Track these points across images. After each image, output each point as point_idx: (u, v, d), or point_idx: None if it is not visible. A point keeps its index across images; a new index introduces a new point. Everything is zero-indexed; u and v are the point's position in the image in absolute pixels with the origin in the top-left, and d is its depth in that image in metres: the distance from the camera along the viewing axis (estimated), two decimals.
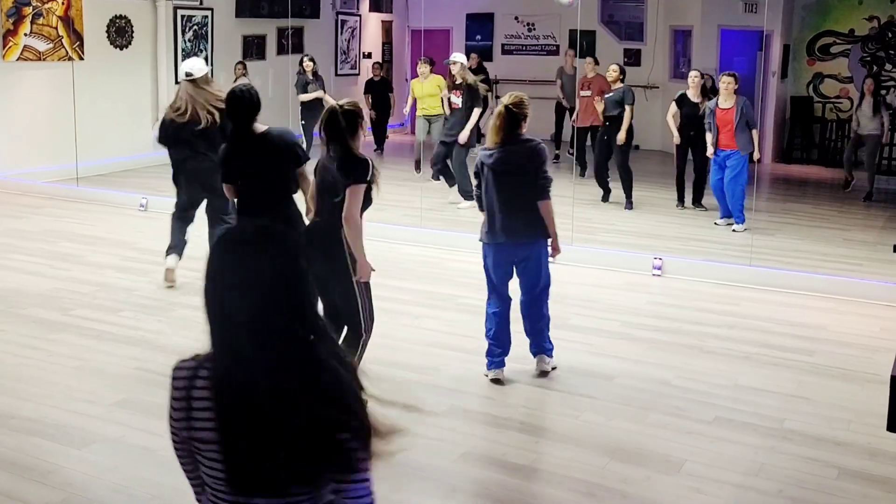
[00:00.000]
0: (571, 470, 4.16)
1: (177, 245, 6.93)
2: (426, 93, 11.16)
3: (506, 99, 5.06)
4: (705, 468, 4.20)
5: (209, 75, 6.83)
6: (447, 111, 10.55)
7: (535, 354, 5.35)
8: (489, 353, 5.24)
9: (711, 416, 4.79)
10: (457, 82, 10.33)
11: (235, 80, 12.83)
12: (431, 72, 11.25)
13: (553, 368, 5.34)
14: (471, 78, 10.37)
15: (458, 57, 10.54)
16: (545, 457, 4.31)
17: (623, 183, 10.46)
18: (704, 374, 5.39)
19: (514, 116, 5.01)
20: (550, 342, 5.36)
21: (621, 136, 10.33)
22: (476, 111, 10.11)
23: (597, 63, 11.96)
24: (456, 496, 3.92)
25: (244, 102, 5.10)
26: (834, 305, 6.88)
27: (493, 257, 5.15)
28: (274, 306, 1.74)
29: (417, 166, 11.49)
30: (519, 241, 5.09)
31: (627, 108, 10.33)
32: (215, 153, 5.57)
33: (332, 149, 4.52)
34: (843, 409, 4.93)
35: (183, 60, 13.09)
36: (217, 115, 6.42)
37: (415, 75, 11.85)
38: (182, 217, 6.99)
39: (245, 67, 13.20)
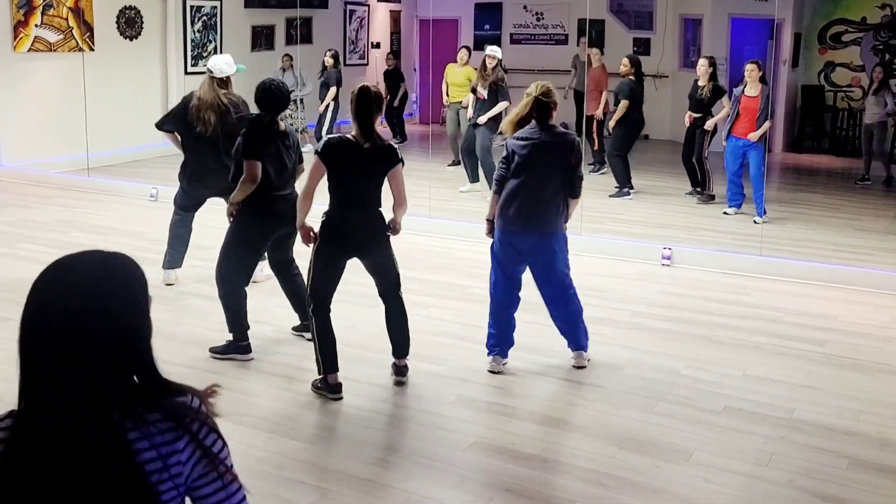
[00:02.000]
0: (580, 459, 4.17)
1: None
2: (457, 81, 11.23)
3: (534, 90, 5.02)
4: (715, 458, 4.20)
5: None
6: (471, 101, 10.58)
7: (572, 350, 5.34)
8: (488, 340, 5.26)
9: (721, 405, 4.78)
10: (486, 74, 10.36)
11: (283, 72, 13.00)
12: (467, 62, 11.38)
13: (588, 360, 5.34)
14: (501, 74, 10.39)
15: (497, 52, 10.53)
16: (554, 446, 4.31)
17: (612, 170, 10.52)
18: (714, 364, 5.39)
19: (544, 106, 5.00)
20: (585, 336, 5.34)
21: (611, 124, 10.44)
22: (503, 103, 10.18)
23: (602, 54, 11.90)
24: (465, 485, 3.93)
25: (280, 95, 5.27)
26: (845, 295, 6.85)
27: (505, 245, 5.13)
28: (93, 340, 1.52)
29: (457, 161, 11.57)
30: (534, 232, 5.05)
31: (623, 101, 10.38)
32: None
33: (365, 133, 4.68)
34: (853, 399, 4.92)
35: (192, 51, 13.19)
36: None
37: (423, 65, 11.87)
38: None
39: (292, 59, 13.33)
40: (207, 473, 1.60)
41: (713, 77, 10.06)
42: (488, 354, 5.24)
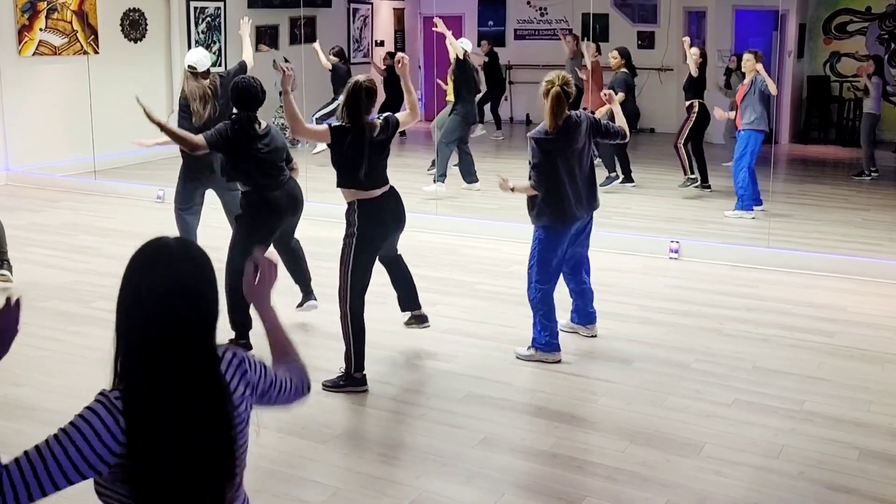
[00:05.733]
0: (591, 454, 4.17)
1: None
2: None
3: (556, 80, 5.09)
4: (725, 451, 4.20)
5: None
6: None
7: (589, 322, 5.64)
8: (556, 335, 5.31)
9: (731, 398, 4.78)
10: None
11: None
12: None
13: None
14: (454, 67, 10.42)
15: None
16: (564, 441, 4.31)
17: (603, 158, 10.42)
18: (723, 357, 5.38)
19: (569, 96, 5.13)
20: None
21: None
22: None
23: (598, 52, 11.76)
24: (476, 482, 3.93)
25: (254, 91, 5.35)
26: (853, 286, 6.84)
27: (563, 238, 5.23)
28: (185, 316, 1.80)
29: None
30: (589, 212, 5.34)
31: (619, 94, 10.20)
32: None
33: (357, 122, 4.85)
34: (863, 390, 4.91)
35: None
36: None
37: (428, 62, 11.83)
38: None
39: (286, 61, 12.92)
40: (269, 382, 2.03)
41: (702, 66, 9.93)
42: (557, 350, 5.28)
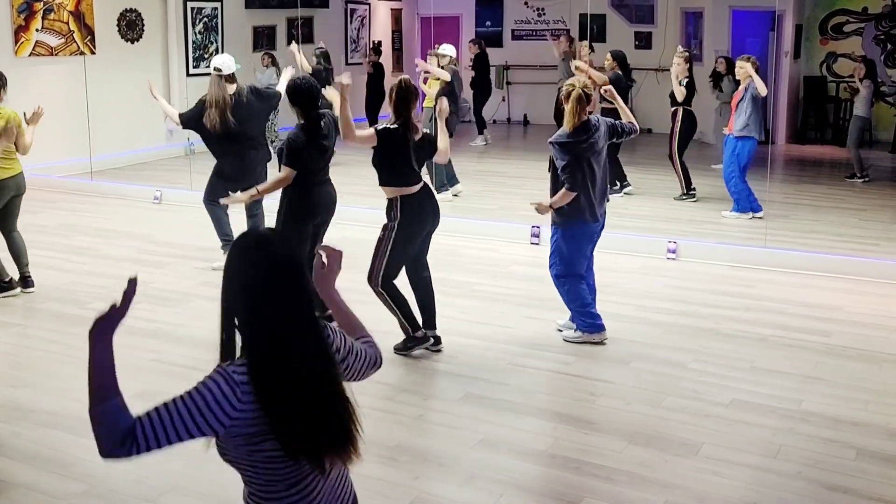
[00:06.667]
0: (589, 455, 4.17)
1: None
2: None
3: (577, 84, 5.28)
4: (723, 451, 4.20)
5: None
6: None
7: None
8: (596, 317, 5.53)
9: (728, 398, 4.78)
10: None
11: (266, 69, 12.55)
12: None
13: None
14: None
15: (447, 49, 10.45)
16: (562, 442, 4.32)
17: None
18: (721, 357, 5.39)
19: (589, 99, 5.29)
20: None
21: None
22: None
23: (592, 50, 11.70)
24: (475, 482, 3.93)
25: (318, 91, 5.66)
26: (850, 286, 6.85)
27: (589, 236, 5.48)
28: (292, 288, 2.02)
29: None
30: (602, 213, 5.54)
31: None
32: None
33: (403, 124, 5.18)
34: (860, 390, 4.92)
35: (194, 52, 13.18)
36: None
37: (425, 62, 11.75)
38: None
39: (273, 58, 12.89)
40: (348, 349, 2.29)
41: (689, 70, 9.83)
42: (602, 330, 5.54)
